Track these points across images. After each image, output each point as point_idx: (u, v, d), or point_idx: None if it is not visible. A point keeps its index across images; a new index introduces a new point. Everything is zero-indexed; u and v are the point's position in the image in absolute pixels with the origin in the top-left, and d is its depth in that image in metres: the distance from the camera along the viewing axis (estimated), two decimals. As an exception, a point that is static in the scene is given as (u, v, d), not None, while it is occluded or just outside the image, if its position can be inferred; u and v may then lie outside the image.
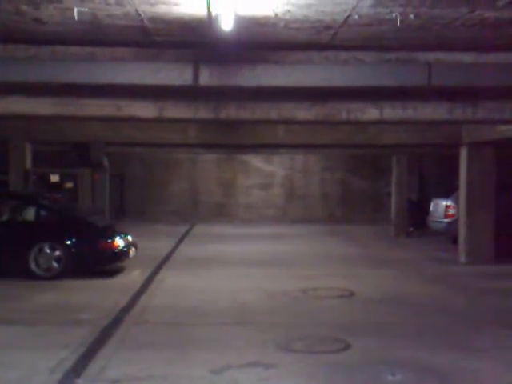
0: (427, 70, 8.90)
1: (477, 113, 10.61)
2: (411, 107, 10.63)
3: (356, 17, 7.36)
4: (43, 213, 14.20)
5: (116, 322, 9.65)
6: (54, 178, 19.17)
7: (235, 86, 9.39)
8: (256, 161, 28.18)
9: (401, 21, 7.38)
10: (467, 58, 8.93)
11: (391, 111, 10.68)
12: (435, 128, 15.82)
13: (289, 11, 7.21)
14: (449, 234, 18.47)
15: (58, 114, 10.81)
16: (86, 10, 7.28)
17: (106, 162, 21.38)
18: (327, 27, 7.85)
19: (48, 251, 13.28)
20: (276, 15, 7.38)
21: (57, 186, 19.51)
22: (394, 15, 7.26)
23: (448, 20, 7.46)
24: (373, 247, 19.73)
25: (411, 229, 22.64)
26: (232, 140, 17.39)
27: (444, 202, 18.99)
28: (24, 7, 7.25)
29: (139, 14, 7.46)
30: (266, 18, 7.49)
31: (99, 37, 8.54)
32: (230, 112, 10.80)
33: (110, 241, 13.73)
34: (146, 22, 7.78)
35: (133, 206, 27.63)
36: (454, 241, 17.11)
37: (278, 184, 28.30)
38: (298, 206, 28.31)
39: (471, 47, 8.77)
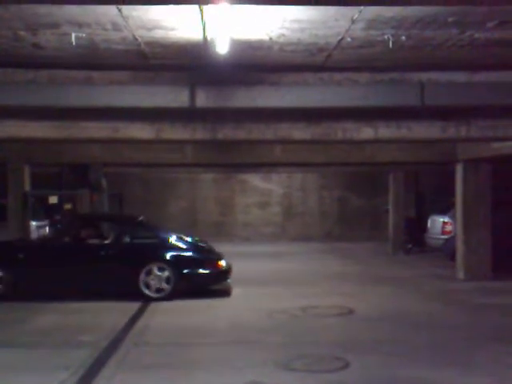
0: (420, 90, 9.02)
1: (470, 131, 10.72)
2: (405, 126, 10.73)
3: (349, 39, 7.48)
4: (148, 234, 14.39)
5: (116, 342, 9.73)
6: (53, 200, 19.25)
7: (231, 108, 9.50)
8: (254, 179, 28.24)
9: (393, 42, 7.50)
10: (459, 77, 9.05)
11: (386, 130, 10.78)
12: (430, 146, 15.92)
13: (283, 35, 7.33)
14: (446, 251, 18.51)
15: (56, 137, 10.91)
16: (84, 35, 7.39)
17: (104, 182, 21.46)
18: (321, 50, 7.97)
19: (157, 272, 13.43)
20: (270, 39, 7.50)
21: (55, 208, 19.57)
22: (386, 37, 7.38)
23: (439, 41, 7.58)
24: (371, 264, 19.77)
25: (409, 246, 22.68)
26: (230, 159, 17.46)
27: (441, 219, 19.08)
28: (22, 33, 7.36)
29: (136, 39, 7.57)
30: (261, 41, 7.61)
31: (97, 61, 8.65)
32: (227, 133, 10.90)
33: (216, 261, 13.98)
34: (143, 46, 7.89)
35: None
36: (452, 257, 17.15)
37: (276, 202, 28.36)
38: (296, 224, 28.35)
39: (463, 67, 8.89)
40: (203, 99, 9.25)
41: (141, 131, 10.84)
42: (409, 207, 24.23)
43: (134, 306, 12.52)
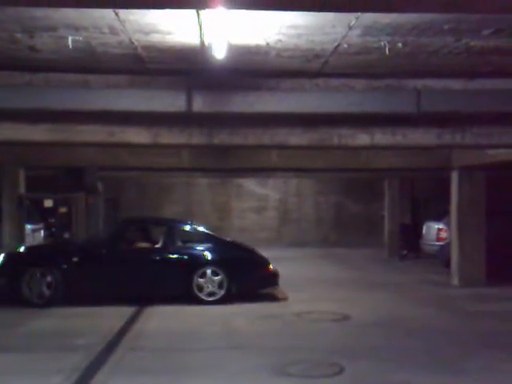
0: (416, 96, 9.06)
1: (465, 138, 10.73)
2: (401, 133, 10.75)
3: (345, 46, 7.51)
4: (199, 237, 14.42)
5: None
6: (48, 203, 19.23)
7: (228, 113, 9.51)
8: (250, 184, 28.23)
9: (389, 49, 7.53)
10: (455, 84, 9.09)
11: (381, 137, 10.80)
12: (425, 152, 15.95)
13: (280, 40, 7.35)
14: (441, 257, 18.53)
15: (52, 140, 10.89)
16: (81, 38, 7.41)
17: (99, 186, 21.46)
18: (318, 56, 8.00)
19: (211, 276, 13.48)
20: (268, 44, 7.53)
21: (50, 211, 19.55)
22: (382, 44, 7.42)
23: (435, 48, 7.62)
24: (366, 270, 19.77)
25: (404, 252, 22.69)
26: (226, 164, 17.46)
27: (436, 226, 19.11)
28: (19, 35, 7.38)
29: (133, 43, 7.59)
30: (258, 46, 7.64)
31: (93, 64, 8.67)
32: (224, 138, 10.90)
33: (267, 265, 14.06)
34: (139, 50, 7.91)
35: (127, 229, 27.61)
36: (447, 264, 17.17)
37: (272, 207, 28.35)
38: (292, 229, 28.35)
39: (459, 74, 8.94)
40: (200, 104, 9.27)
41: (137, 135, 10.84)
42: (404, 213, 24.23)
43: (130, 310, 12.49)
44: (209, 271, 13.47)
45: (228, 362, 8.95)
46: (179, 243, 13.96)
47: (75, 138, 10.81)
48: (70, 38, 7.38)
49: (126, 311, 12.35)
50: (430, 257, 20.04)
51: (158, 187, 27.86)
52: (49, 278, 12.89)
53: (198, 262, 13.63)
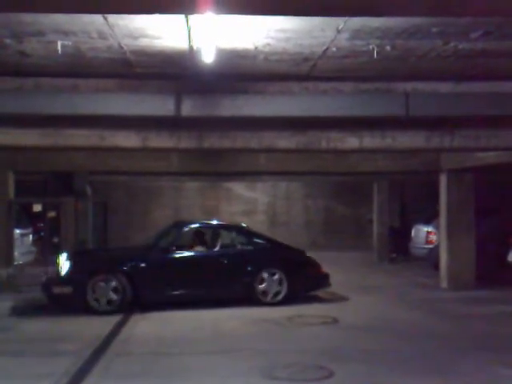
0: (404, 99, 9.09)
1: (454, 141, 10.78)
2: (390, 136, 10.79)
3: (334, 49, 7.54)
4: (257, 241, 14.60)
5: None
6: (37, 208, 19.19)
7: (217, 117, 9.52)
8: (239, 188, 28.24)
9: (378, 52, 7.56)
10: (444, 87, 9.13)
11: (370, 140, 10.84)
12: (414, 155, 15.99)
13: (268, 44, 7.37)
14: (430, 260, 18.56)
15: (42, 144, 10.89)
16: (70, 43, 7.42)
17: (89, 190, 21.43)
18: (306, 59, 8.02)
19: (271, 278, 13.75)
20: (256, 48, 7.54)
21: (39, 216, 19.51)
22: (370, 47, 7.45)
23: (423, 51, 7.66)
24: (356, 273, 19.78)
25: (393, 255, 22.74)
26: (215, 168, 17.46)
27: (425, 228, 19.16)
28: (8, 40, 7.38)
29: (122, 47, 7.60)
30: (246, 50, 7.65)
31: (83, 69, 8.68)
32: (213, 141, 10.92)
33: (320, 266, 14.42)
34: (128, 54, 7.92)
35: (116, 233, 27.56)
36: (436, 267, 17.22)
37: (261, 211, 28.36)
38: (281, 233, 28.24)
39: (447, 77, 8.97)
40: (189, 108, 9.28)
41: (127, 139, 10.85)
42: (393, 216, 24.28)
43: (118, 315, 12.46)
44: (269, 273, 13.77)
45: (217, 365, 8.96)
46: (238, 246, 14.30)
47: (65, 143, 10.81)
48: (59, 43, 7.39)
49: (114, 316, 12.30)
50: (419, 260, 20.08)
51: (148, 191, 27.84)
52: (115, 284, 12.75)
53: (259, 265, 13.87)
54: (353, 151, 12.85)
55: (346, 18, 6.33)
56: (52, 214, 20.17)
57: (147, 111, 9.34)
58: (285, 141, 10.93)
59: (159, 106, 9.24)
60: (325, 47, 7.46)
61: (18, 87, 9.00)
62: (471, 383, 8.16)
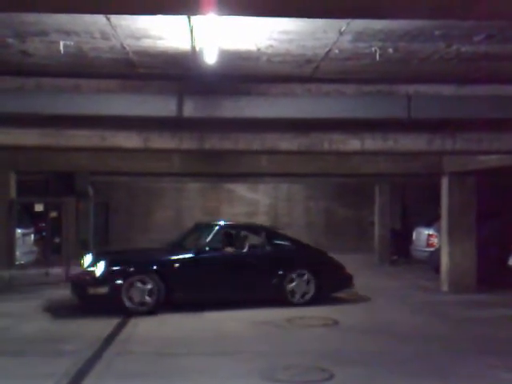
0: (407, 102, 9.07)
1: (456, 144, 10.76)
2: (392, 138, 10.76)
3: (337, 51, 7.52)
4: (283, 241, 14.84)
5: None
6: (39, 208, 19.16)
7: (219, 118, 9.51)
8: (241, 189, 28.23)
9: (380, 55, 7.55)
10: (446, 90, 9.11)
11: (372, 142, 10.82)
12: (416, 158, 15.98)
13: (271, 46, 7.36)
14: (431, 263, 18.53)
15: (43, 144, 10.87)
16: (72, 43, 7.41)
17: (90, 190, 21.45)
18: (309, 61, 8.01)
19: (300, 278, 13.96)
20: (259, 49, 7.53)
21: (41, 216, 19.51)
22: (373, 49, 7.43)
23: (426, 54, 7.64)
24: (356, 276, 19.62)
25: (395, 257, 22.73)
26: (216, 169, 17.47)
27: (426, 231, 19.13)
28: (10, 40, 7.37)
29: (124, 48, 7.59)
30: (249, 52, 7.64)
31: (85, 69, 8.67)
32: (214, 143, 10.90)
33: (344, 268, 14.79)
34: (131, 55, 7.91)
35: (117, 234, 27.58)
36: (437, 269, 17.19)
37: (263, 212, 28.33)
38: (283, 235, 28.31)
39: (450, 80, 8.95)
40: (191, 109, 9.27)
41: (128, 140, 10.83)
42: (395, 219, 24.27)
43: (119, 314, 12.44)
44: (298, 274, 13.98)
45: (217, 367, 8.95)
46: (267, 247, 14.44)
47: (66, 143, 10.80)
48: (61, 43, 7.37)
49: (115, 316, 12.28)
50: (420, 262, 20.04)
51: (149, 192, 27.83)
52: (150, 285, 12.73)
53: (288, 266, 14.09)
54: (355, 153, 12.86)
55: (349, 20, 6.32)
56: (53, 214, 20.15)
57: (149, 112, 9.33)
58: (287, 143, 10.91)
59: (161, 106, 9.23)
60: (327, 49, 7.44)
61: (19, 87, 8.99)
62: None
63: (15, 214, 16.70)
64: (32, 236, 18.89)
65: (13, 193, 17.10)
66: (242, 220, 27.64)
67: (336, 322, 12.03)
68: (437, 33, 6.77)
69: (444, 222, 16.38)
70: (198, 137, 10.86)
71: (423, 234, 19.36)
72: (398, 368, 8.93)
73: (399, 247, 22.67)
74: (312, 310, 13.23)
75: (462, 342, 10.65)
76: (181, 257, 13.48)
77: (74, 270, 14.21)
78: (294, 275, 13.92)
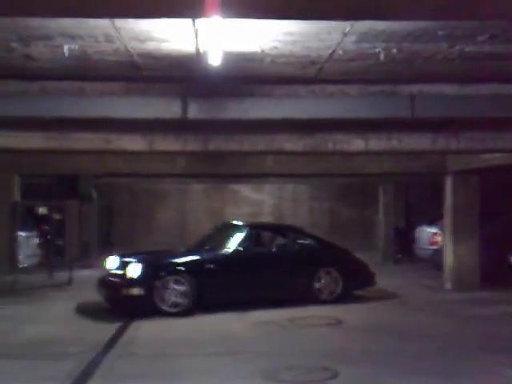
0: (410, 102, 9.08)
1: (459, 143, 10.78)
2: (395, 138, 10.78)
3: (341, 52, 7.54)
4: (309, 240, 14.96)
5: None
6: (42, 210, 19.22)
7: (223, 119, 9.53)
8: (245, 190, 28.22)
9: (384, 55, 7.56)
10: (450, 89, 9.12)
11: (376, 142, 10.83)
12: (420, 157, 15.99)
13: (275, 47, 7.38)
14: (435, 261, 18.54)
15: (48, 147, 10.90)
16: (76, 47, 7.43)
17: (94, 193, 21.46)
18: (313, 62, 8.02)
19: (328, 277, 14.19)
20: (263, 51, 7.55)
21: (45, 218, 19.55)
22: (377, 50, 7.44)
23: (430, 54, 7.66)
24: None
25: (398, 256, 22.74)
26: (221, 170, 17.47)
27: (430, 230, 19.14)
28: (14, 44, 7.39)
29: (129, 51, 7.61)
30: (253, 53, 7.66)
31: (89, 72, 8.69)
32: (219, 144, 10.92)
33: (367, 266, 15.08)
34: (135, 57, 7.93)
35: (121, 236, 27.60)
36: (440, 268, 17.20)
37: (267, 213, 28.31)
38: (287, 235, 28.30)
39: (453, 79, 8.97)
40: (195, 111, 9.29)
41: (133, 143, 10.85)
42: (399, 218, 24.27)
43: (121, 317, 12.44)
44: (326, 272, 14.20)
45: (220, 367, 8.95)
46: (295, 246, 14.59)
47: (71, 146, 10.82)
48: (65, 47, 7.39)
49: (117, 319, 12.26)
50: (424, 261, 20.05)
51: (152, 193, 27.84)
52: (183, 286, 12.72)
53: (316, 264, 14.31)
54: (359, 153, 12.89)
55: (353, 21, 6.34)
56: (57, 216, 20.19)
57: (154, 114, 9.35)
58: (292, 143, 10.93)
59: (165, 108, 9.25)
60: (331, 50, 7.46)
61: (23, 91, 9.01)
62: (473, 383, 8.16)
63: (19, 216, 16.72)
64: (35, 239, 18.92)
65: (16, 196, 17.16)
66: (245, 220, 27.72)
67: (339, 322, 12.04)
68: (440, 33, 6.79)
69: (447, 220, 16.39)
70: (203, 138, 10.88)
71: (426, 233, 19.38)
72: (403, 366, 8.94)
73: (403, 246, 22.69)
74: (314, 310, 13.22)
75: (466, 340, 10.66)
76: (213, 258, 13.55)
77: (99, 273, 14.18)
78: (321, 273, 14.11)
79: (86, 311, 13.08)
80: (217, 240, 14.61)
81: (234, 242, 13.90)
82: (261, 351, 9.90)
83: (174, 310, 12.61)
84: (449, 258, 16.26)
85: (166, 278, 12.67)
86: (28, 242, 18.12)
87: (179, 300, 12.67)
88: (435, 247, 18.46)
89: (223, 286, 13.24)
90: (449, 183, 16.25)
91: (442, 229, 17.45)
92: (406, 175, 19.42)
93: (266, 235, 15.16)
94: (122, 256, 13.96)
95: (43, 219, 19.79)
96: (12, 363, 9.24)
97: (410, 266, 21.43)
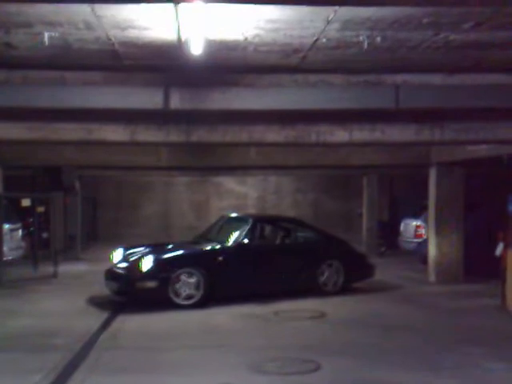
0: (394, 92, 9.00)
1: (444, 134, 10.75)
2: (379, 129, 10.74)
3: (324, 40, 7.46)
4: (312, 233, 15.13)
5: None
6: (26, 203, 19.04)
7: (206, 110, 9.43)
8: (229, 183, 28.21)
9: (368, 44, 7.48)
10: (435, 79, 9.06)
11: (360, 133, 10.79)
12: (404, 149, 15.98)
13: (258, 35, 7.29)
14: (419, 254, 18.58)
15: (30, 138, 10.81)
16: (57, 34, 7.31)
17: (77, 185, 21.35)
18: (296, 50, 7.94)
19: (331, 268, 14.42)
20: (245, 39, 7.47)
21: (28, 211, 19.39)
22: (361, 38, 7.37)
23: (414, 42, 7.58)
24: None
25: (382, 249, 22.73)
26: (205, 162, 17.44)
27: (414, 222, 19.17)
28: (-6, 32, 7.28)
29: (110, 39, 7.50)
30: (236, 41, 7.58)
31: (70, 61, 8.57)
32: (201, 135, 10.86)
33: (367, 257, 15.63)
34: (116, 46, 7.82)
35: (105, 229, 27.54)
36: (424, 261, 17.22)
37: (251, 205, 28.29)
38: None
39: (439, 69, 8.91)
40: (177, 101, 9.18)
41: (114, 133, 10.77)
42: (383, 210, 24.27)
43: (107, 309, 12.41)
44: (329, 264, 14.41)
45: (205, 360, 8.95)
46: (298, 239, 14.82)
47: (52, 136, 10.74)
48: (46, 34, 7.28)
49: (104, 311, 12.27)
50: (409, 254, 20.08)
51: (136, 186, 27.77)
52: (196, 279, 12.76)
53: (320, 256, 14.52)
54: (342, 145, 12.82)
55: (336, 7, 6.26)
56: (41, 208, 20.02)
57: (135, 104, 9.24)
58: (274, 134, 10.88)
59: (147, 99, 9.14)
60: (315, 38, 7.38)
61: (4, 80, 8.88)
62: (457, 376, 8.15)
63: (2, 209, 16.57)
64: (20, 231, 18.78)
65: (0, 187, 16.98)
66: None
67: (323, 314, 12.02)
68: (425, 21, 6.72)
69: (431, 212, 16.39)
70: (185, 129, 10.81)
71: (411, 226, 19.40)
72: (386, 359, 8.95)
73: (387, 239, 22.70)
74: (297, 303, 13.22)
75: (449, 333, 10.67)
76: (221, 250, 13.57)
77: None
78: (324, 265, 14.31)
79: (72, 304, 13.02)
80: (220, 233, 14.68)
81: (239, 235, 13.94)
82: (246, 344, 9.90)
83: (186, 302, 12.69)
84: (433, 251, 16.27)
85: (179, 270, 12.73)
86: (12, 235, 17.98)
87: (192, 292, 12.75)
88: (419, 240, 18.48)
89: (234, 279, 13.36)
90: (433, 175, 16.24)
91: (426, 221, 17.46)
92: (390, 167, 19.42)
93: (270, 228, 15.23)
94: (127, 249, 14.05)
95: (27, 212, 19.63)
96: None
97: (394, 258, 21.42)
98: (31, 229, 19.50)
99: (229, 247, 13.70)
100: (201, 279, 12.77)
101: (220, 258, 13.27)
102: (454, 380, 8.00)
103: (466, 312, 12.38)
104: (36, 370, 8.28)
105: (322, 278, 14.26)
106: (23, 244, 18.87)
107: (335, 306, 12.85)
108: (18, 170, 20.07)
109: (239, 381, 7.91)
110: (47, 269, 17.06)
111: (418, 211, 19.32)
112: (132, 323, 11.47)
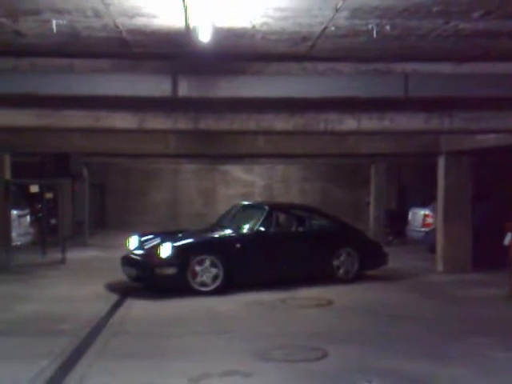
0: (404, 80, 8.97)
1: (453, 123, 10.71)
2: (388, 118, 10.70)
3: (333, 28, 7.43)
4: (328, 220, 15.25)
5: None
6: (34, 189, 19.10)
7: (214, 98, 9.42)
8: (236, 171, 28.21)
9: (377, 32, 7.45)
10: (444, 68, 9.02)
11: (368, 122, 10.75)
12: (413, 137, 15.93)
13: (266, 23, 7.26)
14: (427, 243, 18.53)
15: (38, 125, 10.82)
16: (65, 22, 7.30)
17: (85, 172, 21.38)
18: (304, 39, 7.91)
19: (346, 256, 14.56)
20: (253, 27, 7.44)
21: (36, 197, 19.45)
22: (370, 26, 7.33)
23: (424, 31, 7.54)
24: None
25: (390, 238, 22.70)
26: (212, 150, 17.44)
27: (422, 212, 19.10)
28: (3, 19, 7.26)
29: (118, 26, 7.48)
30: (244, 29, 7.55)
31: (78, 49, 8.55)
32: (209, 123, 10.84)
33: (381, 245, 15.77)
34: (124, 33, 7.80)
35: (113, 216, 27.59)
36: (432, 250, 17.19)
37: (258, 194, 28.29)
38: (279, 216, 28.28)
39: (448, 58, 8.86)
40: (185, 88, 9.17)
41: (123, 121, 10.77)
42: (391, 199, 24.23)
43: (115, 295, 12.46)
44: (345, 252, 14.57)
45: (210, 346, 8.98)
46: (314, 226, 14.92)
47: (60, 124, 10.73)
48: (54, 22, 7.27)
49: (111, 296, 12.34)
50: (416, 243, 20.04)
51: (144, 173, 27.80)
52: (214, 266, 12.86)
53: (335, 243, 14.66)
54: (351, 133, 12.81)
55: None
56: (49, 195, 20.08)
57: (143, 92, 9.23)
58: (282, 122, 10.85)
59: (155, 86, 9.13)
60: (323, 26, 7.34)
61: (13, 67, 8.88)
62: (464, 366, 8.13)
63: (10, 195, 16.62)
64: (28, 217, 18.85)
65: (7, 174, 17.01)
66: (237, 201, 27.70)
67: (330, 302, 12.03)
68: (435, 9, 6.67)
69: (440, 201, 16.35)
70: (193, 117, 10.80)
71: (419, 215, 19.34)
72: (392, 348, 8.96)
73: (395, 228, 22.65)
74: (305, 291, 13.24)
75: (456, 322, 10.66)
76: (239, 237, 13.68)
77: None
78: (341, 253, 14.44)
79: (80, 289, 13.07)
80: (235, 221, 14.72)
81: (255, 223, 14.03)
82: (252, 331, 9.93)
83: (205, 288, 12.77)
84: (441, 240, 16.23)
85: (197, 257, 12.81)
86: (20, 221, 18.05)
87: (210, 279, 12.85)
88: (427, 229, 18.44)
89: (251, 266, 13.46)
90: (441, 164, 16.19)
91: (434, 210, 17.42)
92: (398, 155, 19.37)
93: (285, 216, 15.33)
94: (142, 235, 14.15)
95: (35, 198, 19.70)
96: (5, 340, 9.26)
97: (401, 247, 21.37)
98: (39, 215, 19.59)
99: (246, 235, 13.82)
100: (219, 266, 12.85)
101: (238, 246, 13.31)
102: (461, 369, 7.99)
103: (473, 301, 12.38)
104: (44, 355, 8.31)
105: (338, 266, 14.41)
106: (31, 230, 18.96)
107: (342, 294, 12.86)
108: (27, 157, 20.10)
109: (246, 367, 7.90)
110: (55, 255, 17.15)
111: (427, 200, 19.25)
112: (140, 309, 11.53)
